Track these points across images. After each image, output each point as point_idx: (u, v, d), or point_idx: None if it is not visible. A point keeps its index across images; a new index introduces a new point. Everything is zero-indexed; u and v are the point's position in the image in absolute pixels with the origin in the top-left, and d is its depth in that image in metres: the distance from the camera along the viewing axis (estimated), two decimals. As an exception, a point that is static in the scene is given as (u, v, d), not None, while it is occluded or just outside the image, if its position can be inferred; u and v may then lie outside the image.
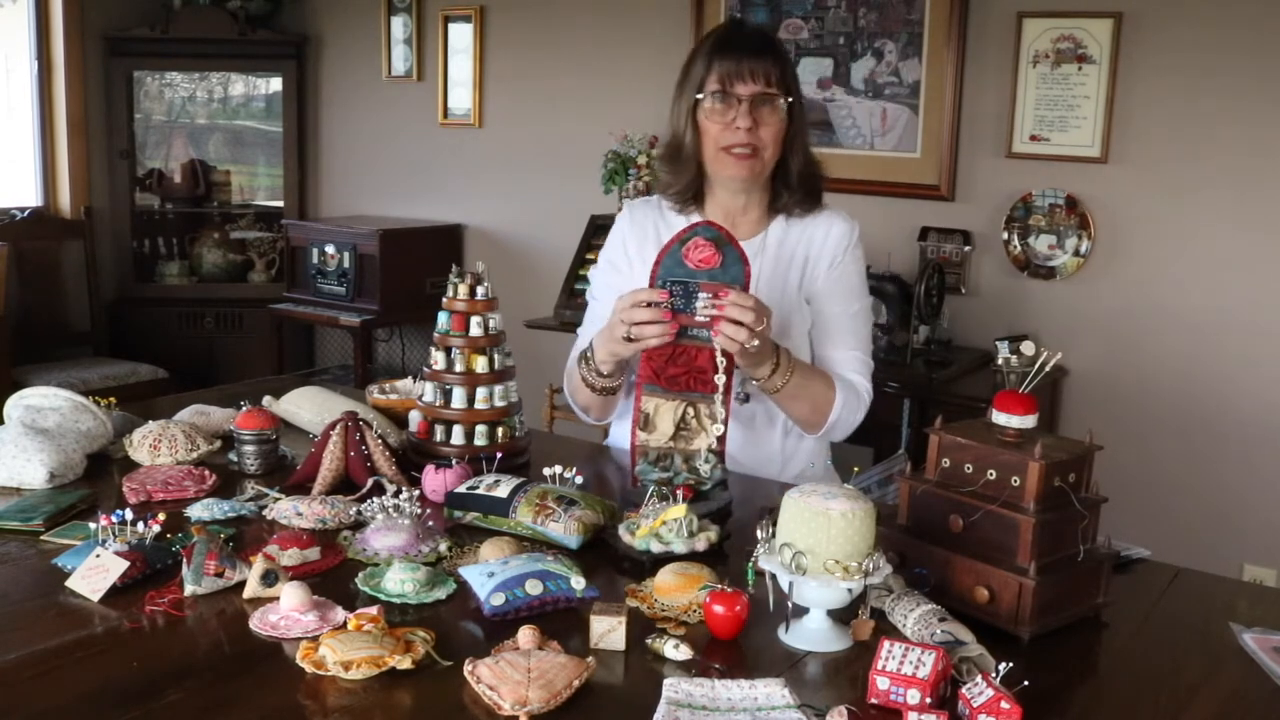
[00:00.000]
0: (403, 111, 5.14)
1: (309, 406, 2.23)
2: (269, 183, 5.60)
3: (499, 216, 4.97)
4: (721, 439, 1.81)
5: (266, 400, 2.21)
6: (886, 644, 1.25)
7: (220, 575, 1.48)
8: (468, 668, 1.26)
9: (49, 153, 5.09)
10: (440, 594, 1.49)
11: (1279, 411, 3.48)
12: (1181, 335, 3.60)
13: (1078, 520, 1.45)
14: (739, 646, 1.38)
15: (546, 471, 1.78)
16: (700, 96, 1.99)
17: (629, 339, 1.84)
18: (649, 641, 1.35)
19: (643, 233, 2.16)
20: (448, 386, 1.98)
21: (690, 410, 1.83)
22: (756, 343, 1.78)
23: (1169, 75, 3.52)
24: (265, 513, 1.77)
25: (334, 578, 1.55)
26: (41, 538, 1.66)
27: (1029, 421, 1.48)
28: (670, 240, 1.84)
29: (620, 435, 2.22)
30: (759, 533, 1.42)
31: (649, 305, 1.81)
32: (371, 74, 5.19)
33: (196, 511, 1.75)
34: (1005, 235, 3.79)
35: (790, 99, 2.00)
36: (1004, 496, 1.43)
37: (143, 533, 1.56)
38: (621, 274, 2.16)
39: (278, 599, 1.42)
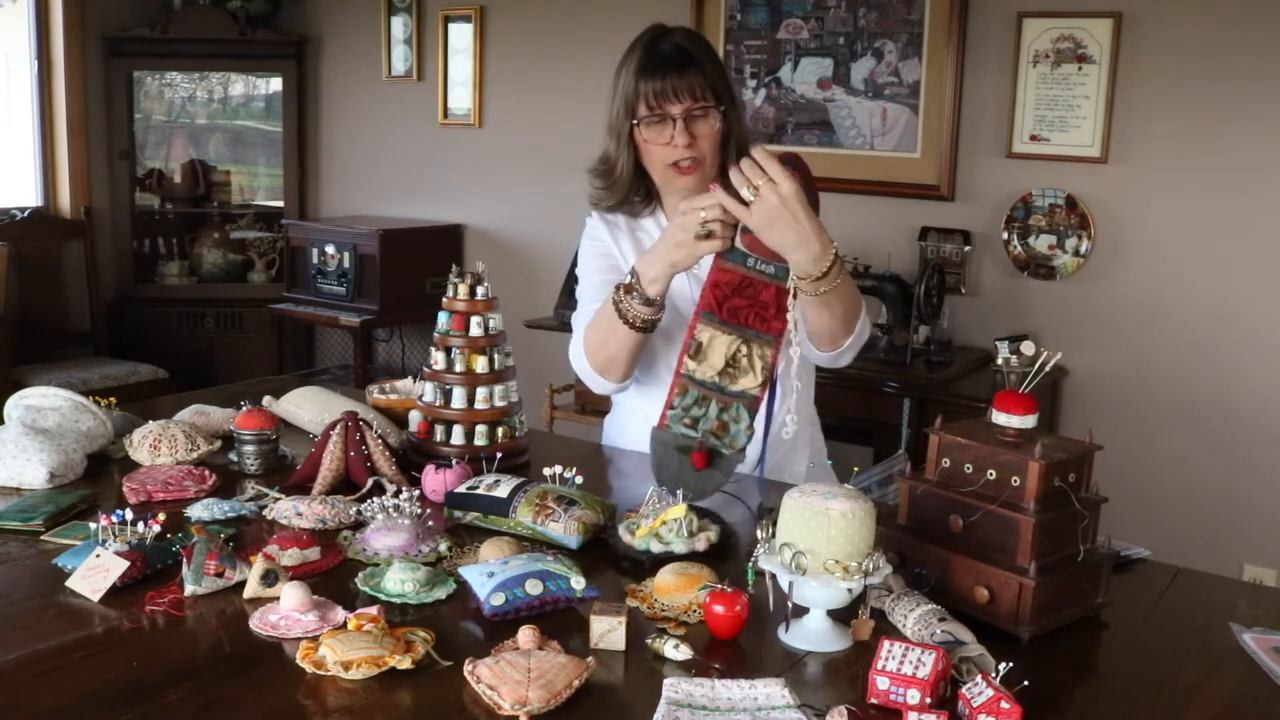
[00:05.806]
0: (403, 111, 5.14)
1: (309, 406, 2.23)
2: (269, 183, 5.60)
3: (499, 216, 4.96)
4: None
5: (266, 400, 2.21)
6: (886, 644, 1.25)
7: (220, 575, 1.48)
8: (468, 668, 1.26)
9: (49, 153, 5.09)
10: (440, 594, 1.49)
11: (1278, 412, 3.48)
12: (1181, 335, 3.60)
13: (1078, 520, 1.45)
14: (739, 646, 1.38)
15: (546, 471, 1.78)
16: (635, 121, 1.99)
17: (707, 236, 1.76)
18: (649, 641, 1.35)
19: (616, 229, 2.13)
20: (448, 386, 1.98)
21: (744, 348, 1.78)
22: (751, 195, 1.70)
23: (1169, 75, 3.52)
24: (265, 513, 1.77)
25: (334, 578, 1.55)
26: (41, 538, 1.66)
27: (1029, 421, 1.48)
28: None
29: (615, 433, 2.22)
30: (759, 533, 1.43)
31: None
32: (371, 74, 5.19)
33: (196, 511, 1.75)
34: (1005, 235, 3.79)
35: (723, 107, 1.96)
36: (1004, 496, 1.43)
37: (143, 533, 1.55)
38: (614, 258, 2.12)
39: (278, 599, 1.42)
